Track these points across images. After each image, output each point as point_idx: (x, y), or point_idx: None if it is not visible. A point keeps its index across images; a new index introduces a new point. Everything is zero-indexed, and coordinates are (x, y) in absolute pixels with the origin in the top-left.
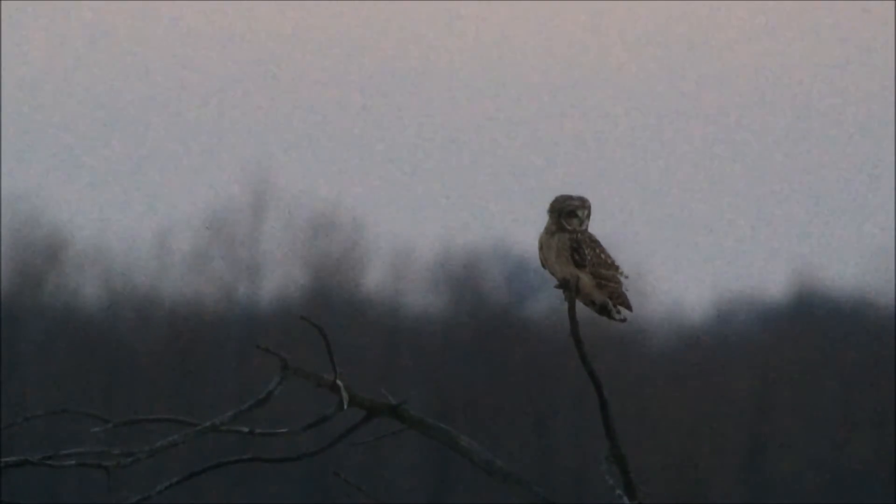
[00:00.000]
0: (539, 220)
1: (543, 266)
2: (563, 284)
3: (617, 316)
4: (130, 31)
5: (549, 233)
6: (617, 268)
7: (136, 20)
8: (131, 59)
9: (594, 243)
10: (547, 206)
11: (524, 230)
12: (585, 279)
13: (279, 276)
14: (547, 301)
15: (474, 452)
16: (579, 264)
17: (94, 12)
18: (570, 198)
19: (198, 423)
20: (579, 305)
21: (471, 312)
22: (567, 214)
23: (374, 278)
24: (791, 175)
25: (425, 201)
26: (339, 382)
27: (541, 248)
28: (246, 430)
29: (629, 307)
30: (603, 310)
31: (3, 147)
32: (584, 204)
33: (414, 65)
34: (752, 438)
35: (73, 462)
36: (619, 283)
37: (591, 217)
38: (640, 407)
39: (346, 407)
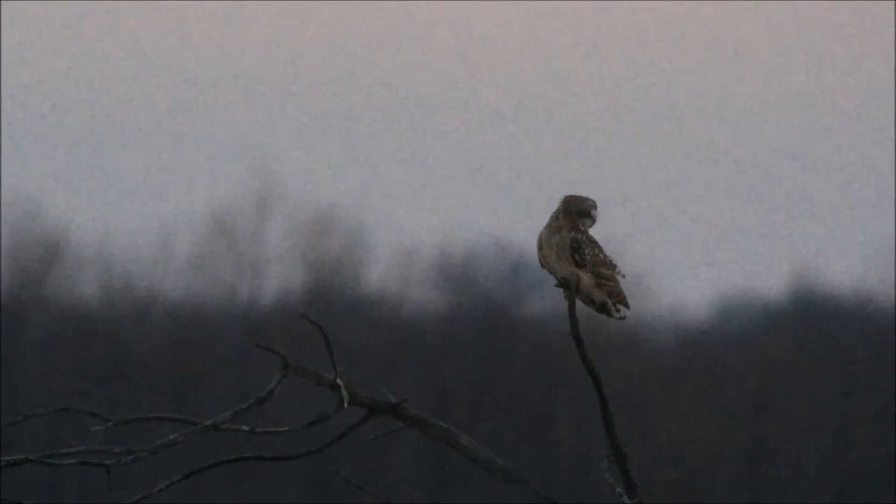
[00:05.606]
0: (538, 218)
1: (542, 265)
2: (564, 283)
3: (616, 314)
4: (132, 31)
5: (551, 232)
6: (614, 267)
7: (138, 19)
8: (133, 59)
9: (593, 243)
10: (551, 206)
11: (524, 228)
12: (586, 278)
13: (280, 274)
14: (547, 299)
15: (475, 451)
16: (580, 264)
17: (95, 12)
18: (585, 199)
19: (198, 421)
20: (579, 304)
21: (471, 311)
22: (583, 214)
23: (374, 277)
24: (791, 175)
25: (425, 200)
26: (339, 381)
27: (540, 248)
28: (246, 428)
29: (627, 305)
30: (602, 308)
31: (3, 147)
32: (595, 205)
33: (415, 65)
34: (752, 438)
35: (73, 461)
36: (617, 282)
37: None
38: (640, 406)
39: (346, 406)
